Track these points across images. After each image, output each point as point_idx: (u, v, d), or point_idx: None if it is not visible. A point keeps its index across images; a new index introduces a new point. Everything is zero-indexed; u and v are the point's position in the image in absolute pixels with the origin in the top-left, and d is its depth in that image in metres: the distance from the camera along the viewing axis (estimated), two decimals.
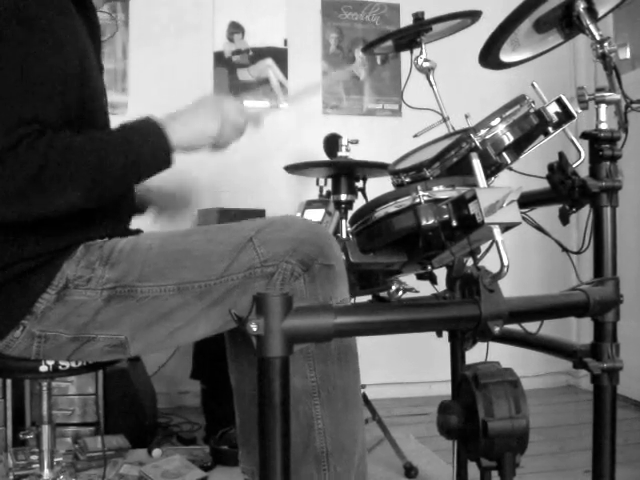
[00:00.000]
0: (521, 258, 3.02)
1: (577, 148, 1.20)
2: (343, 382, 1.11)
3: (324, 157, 2.35)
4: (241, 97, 2.96)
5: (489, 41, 1.35)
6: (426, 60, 1.79)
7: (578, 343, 1.31)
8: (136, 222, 1.33)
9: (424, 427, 2.55)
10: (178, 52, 2.95)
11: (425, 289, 1.35)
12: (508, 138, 1.13)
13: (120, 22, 2.90)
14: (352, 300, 1.22)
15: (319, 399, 1.09)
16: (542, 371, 3.14)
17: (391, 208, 1.08)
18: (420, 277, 1.32)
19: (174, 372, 2.74)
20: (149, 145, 1.07)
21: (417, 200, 1.04)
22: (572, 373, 3.20)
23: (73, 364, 1.17)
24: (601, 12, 1.34)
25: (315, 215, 2.03)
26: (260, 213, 2.50)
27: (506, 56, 1.42)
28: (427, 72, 1.80)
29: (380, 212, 1.09)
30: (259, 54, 3.07)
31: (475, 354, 1.19)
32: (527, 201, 1.29)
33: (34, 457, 1.73)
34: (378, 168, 2.09)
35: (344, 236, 2.07)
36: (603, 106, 1.27)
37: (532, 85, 1.24)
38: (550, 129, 1.17)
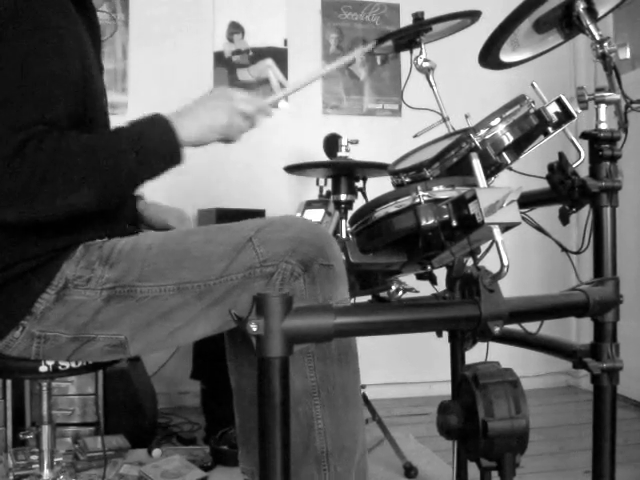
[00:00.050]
0: (521, 258, 3.02)
1: (577, 148, 1.20)
2: (343, 382, 1.11)
3: (324, 157, 2.35)
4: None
5: (489, 41, 1.35)
6: (426, 60, 1.78)
7: (578, 343, 1.32)
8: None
9: (424, 427, 2.55)
10: (178, 52, 2.95)
11: (425, 289, 1.35)
12: (508, 138, 1.12)
13: (120, 22, 2.89)
14: (352, 300, 1.21)
15: (319, 399, 1.09)
16: (542, 371, 3.14)
17: (391, 208, 1.07)
18: (420, 277, 1.32)
19: (174, 372, 2.73)
20: (159, 142, 1.06)
21: (417, 200, 1.04)
22: (572, 373, 3.20)
23: (73, 364, 1.17)
24: (601, 12, 1.34)
25: (315, 215, 2.03)
26: (260, 213, 2.50)
27: (506, 56, 1.42)
28: (427, 72, 1.79)
29: (380, 212, 1.09)
30: (259, 54, 3.06)
31: (475, 354, 1.19)
32: (527, 201, 1.29)
33: (34, 457, 1.72)
34: (378, 168, 2.09)
35: (344, 236, 2.07)
36: (603, 106, 1.27)
37: (532, 85, 1.24)
38: (550, 129, 1.17)
